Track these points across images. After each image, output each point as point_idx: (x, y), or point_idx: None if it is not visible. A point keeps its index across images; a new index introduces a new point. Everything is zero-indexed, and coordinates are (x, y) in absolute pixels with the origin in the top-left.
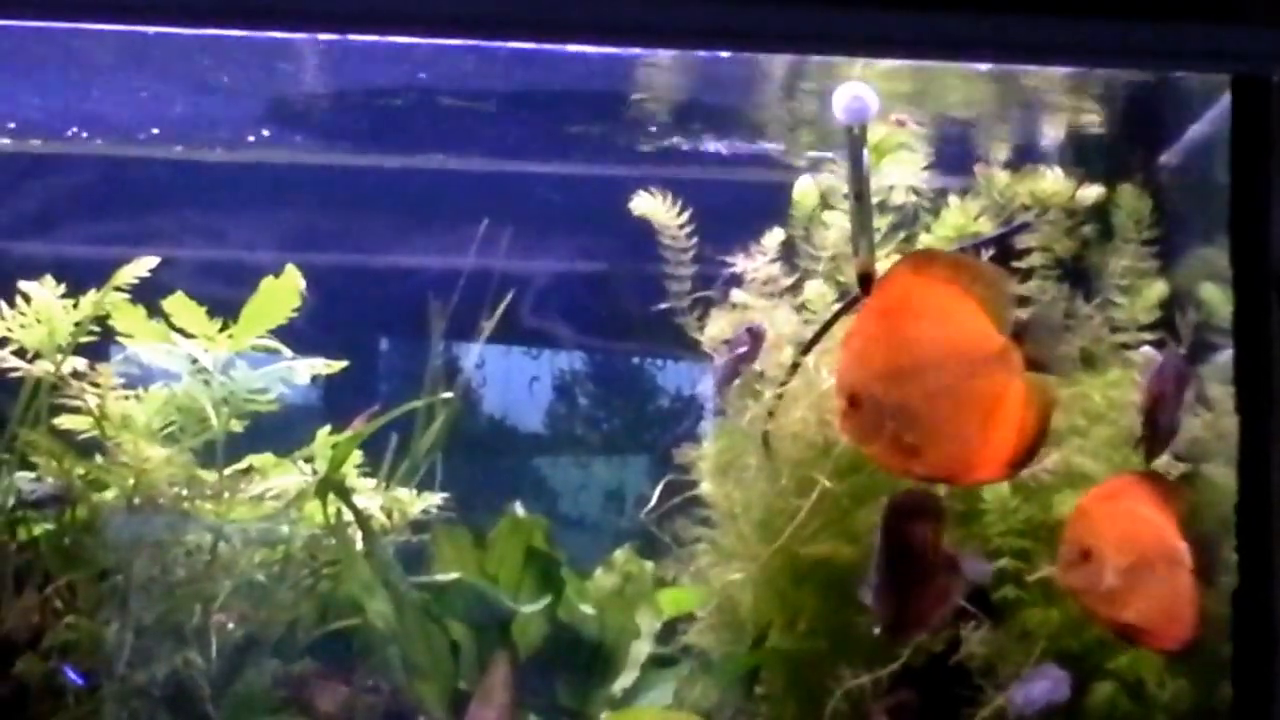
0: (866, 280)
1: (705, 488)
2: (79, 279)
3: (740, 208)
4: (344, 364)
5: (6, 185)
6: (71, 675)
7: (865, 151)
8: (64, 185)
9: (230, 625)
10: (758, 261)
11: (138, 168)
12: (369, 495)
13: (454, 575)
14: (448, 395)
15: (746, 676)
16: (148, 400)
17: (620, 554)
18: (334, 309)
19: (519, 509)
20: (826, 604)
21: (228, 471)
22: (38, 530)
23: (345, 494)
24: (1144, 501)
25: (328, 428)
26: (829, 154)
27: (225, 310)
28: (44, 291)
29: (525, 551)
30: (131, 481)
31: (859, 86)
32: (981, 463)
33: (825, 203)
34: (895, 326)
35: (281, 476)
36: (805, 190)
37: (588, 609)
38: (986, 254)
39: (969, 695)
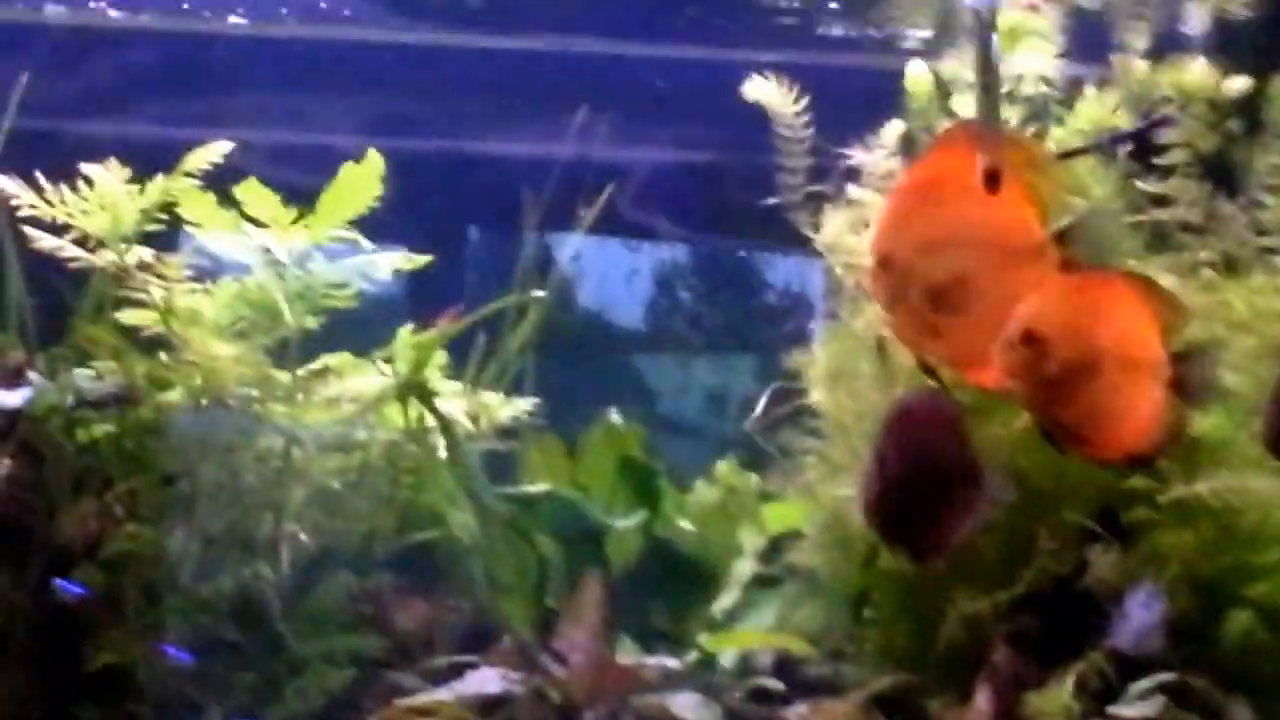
0: (993, 176)
1: (815, 396)
2: (147, 162)
3: (860, 95)
4: (429, 258)
5: (71, 61)
6: (174, 653)
7: (994, 38)
8: (133, 62)
9: (302, 536)
10: (875, 155)
11: (212, 44)
12: (453, 399)
13: (543, 486)
14: (539, 293)
15: (855, 599)
16: (217, 294)
17: (723, 465)
18: (419, 198)
19: (614, 416)
20: None
21: (302, 372)
22: (98, 432)
23: (427, 397)
24: (1125, 302)
25: (410, 326)
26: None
27: (302, 199)
28: (108, 176)
29: (620, 462)
30: (198, 381)
31: None
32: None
33: (946, 91)
34: (936, 196)
35: (359, 378)
36: (919, 76)
37: (686, 525)
38: (1123, 148)
39: (1095, 622)
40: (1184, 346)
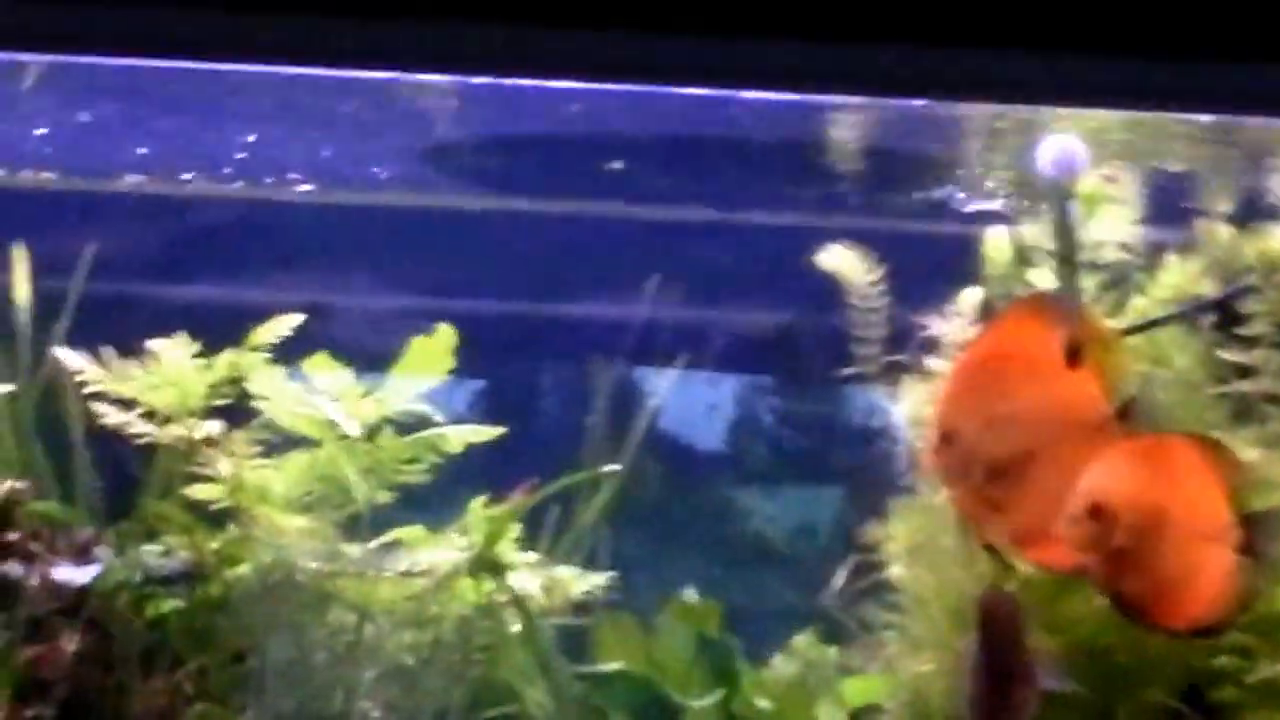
0: (1075, 351)
1: (894, 571)
2: (214, 330)
3: (934, 263)
4: (500, 431)
5: (143, 228)
6: None
7: (1073, 209)
8: (202, 230)
9: (375, 713)
10: (952, 324)
11: (276, 212)
12: (527, 572)
13: (618, 665)
14: (615, 467)
15: None
16: (286, 467)
17: (802, 639)
18: (491, 367)
19: (690, 594)
20: None
21: (373, 545)
22: (166, 608)
23: (501, 573)
24: (1188, 465)
25: (482, 497)
26: (1028, 205)
27: (370, 367)
28: (175, 350)
29: (696, 640)
30: (268, 557)
31: (1068, 139)
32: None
33: (1024, 258)
34: (1003, 370)
35: (431, 550)
36: (998, 243)
37: (764, 703)
38: (1206, 318)
39: None
40: (1253, 510)
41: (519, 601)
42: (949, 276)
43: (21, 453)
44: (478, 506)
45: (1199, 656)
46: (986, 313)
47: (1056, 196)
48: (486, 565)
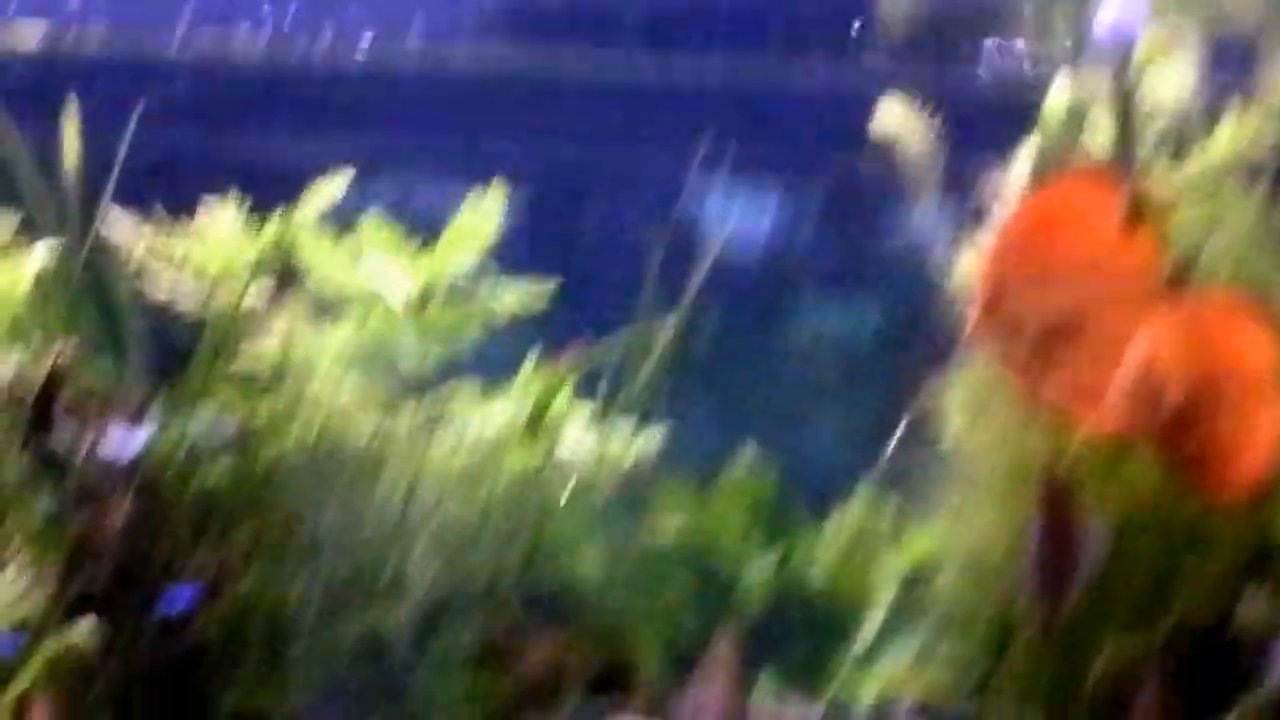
0: (1134, 214)
1: (953, 428)
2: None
3: (991, 112)
4: (553, 286)
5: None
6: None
7: (1132, 70)
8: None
9: (427, 576)
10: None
11: (336, 74)
12: (582, 430)
13: (674, 531)
14: (666, 327)
15: (998, 636)
16: (337, 333)
17: (860, 493)
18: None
19: (746, 459)
20: None
21: (425, 404)
22: (217, 476)
23: (554, 439)
24: (1238, 323)
25: (535, 355)
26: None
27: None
28: (225, 215)
29: (753, 505)
30: (319, 422)
31: (1128, 2)
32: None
33: (1083, 110)
34: (1047, 234)
35: (483, 411)
36: (1058, 95)
37: (821, 570)
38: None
39: (1247, 668)
40: None
41: (573, 468)
42: (1008, 129)
43: (70, 316)
44: (530, 365)
45: (1263, 525)
46: (1043, 167)
47: (1116, 59)
48: (539, 430)
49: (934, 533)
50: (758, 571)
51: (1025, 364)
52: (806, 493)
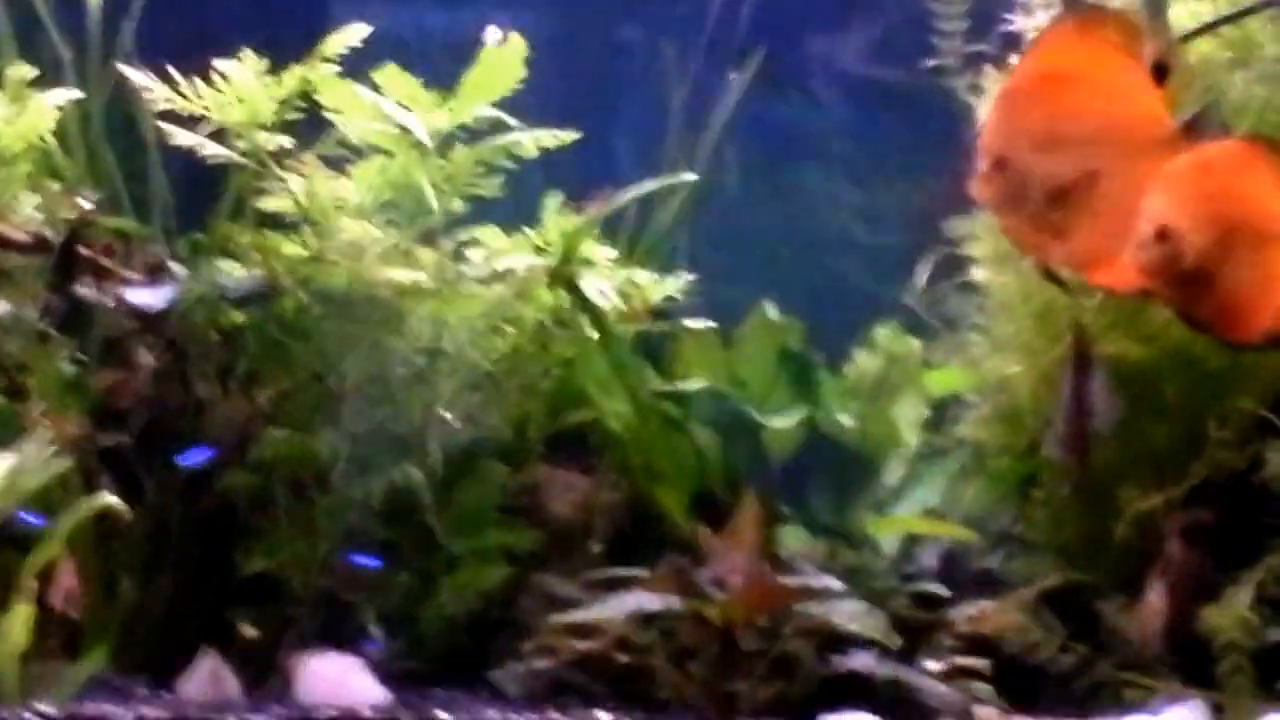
0: (1162, 71)
1: (980, 272)
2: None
3: None
4: (576, 135)
5: None
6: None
7: None
8: None
9: (454, 422)
10: (1035, 18)
11: None
12: (606, 276)
13: (700, 382)
14: (690, 176)
15: (1022, 481)
16: (359, 175)
17: (884, 331)
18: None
19: (770, 310)
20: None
21: (449, 245)
22: (242, 326)
23: (578, 290)
24: (1249, 172)
25: (557, 196)
26: None
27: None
28: (242, 68)
29: (778, 354)
30: (344, 270)
31: None
32: (1123, 262)
33: None
34: (1055, 90)
35: (508, 256)
36: None
37: (846, 419)
38: None
39: (1271, 518)
40: None
41: (598, 318)
42: None
43: (93, 163)
44: (553, 206)
45: None
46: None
47: None
48: (563, 278)
49: (960, 372)
50: (783, 419)
51: (1033, 226)
52: (834, 329)
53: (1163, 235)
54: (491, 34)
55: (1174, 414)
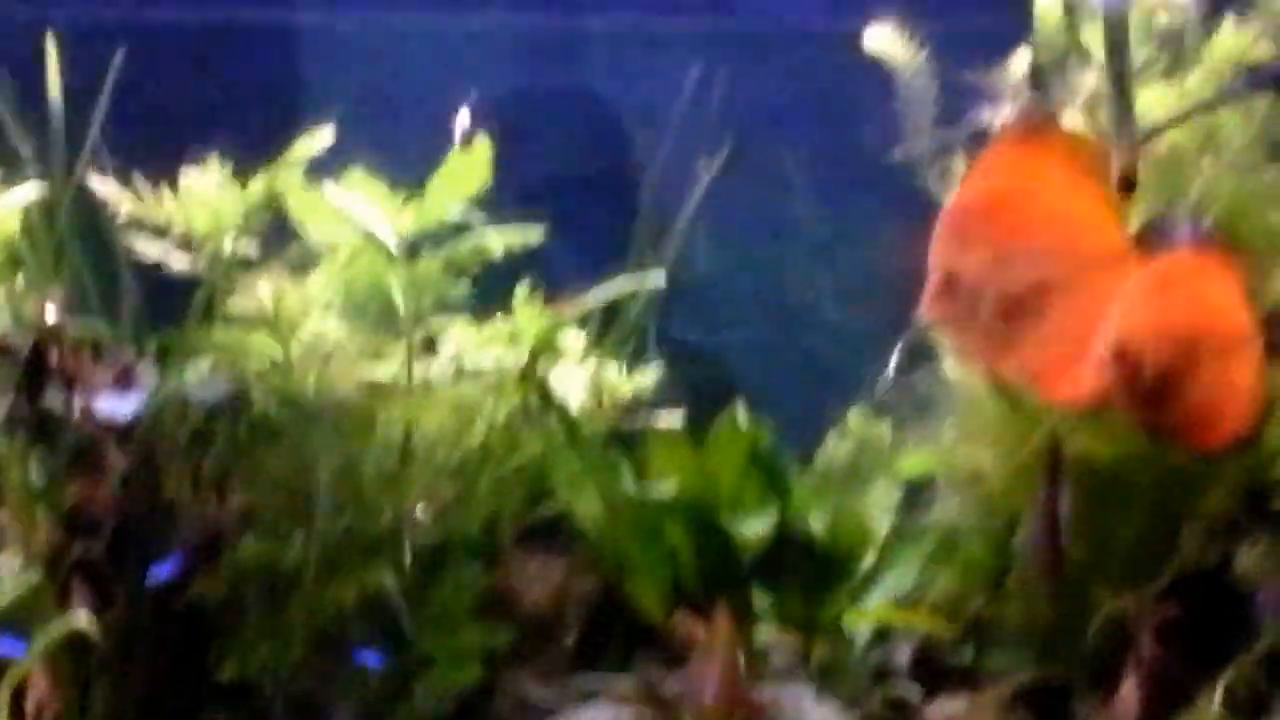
0: (1128, 184)
1: (948, 363)
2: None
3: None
4: (542, 230)
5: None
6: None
7: (1126, 37)
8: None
9: (425, 517)
10: (1003, 107)
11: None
12: (576, 368)
13: (670, 489)
14: (658, 275)
15: (995, 573)
16: (325, 275)
17: (855, 415)
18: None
19: (740, 413)
20: (1085, 504)
21: (418, 339)
22: (211, 435)
23: (547, 395)
24: (1206, 279)
25: (526, 287)
26: None
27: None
28: (206, 179)
29: (748, 455)
30: (313, 374)
31: None
32: (1079, 376)
33: (1075, 20)
34: (1002, 205)
35: (476, 350)
36: (1047, 5)
37: (817, 523)
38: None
39: (1243, 617)
40: (1271, 311)
41: (568, 421)
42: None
43: (59, 263)
44: (523, 300)
45: (1254, 468)
46: (1035, 78)
47: (1110, 22)
48: (536, 387)
49: (932, 456)
50: (755, 525)
51: (985, 342)
52: (805, 411)
53: (1123, 353)
54: (462, 117)
55: (1144, 511)
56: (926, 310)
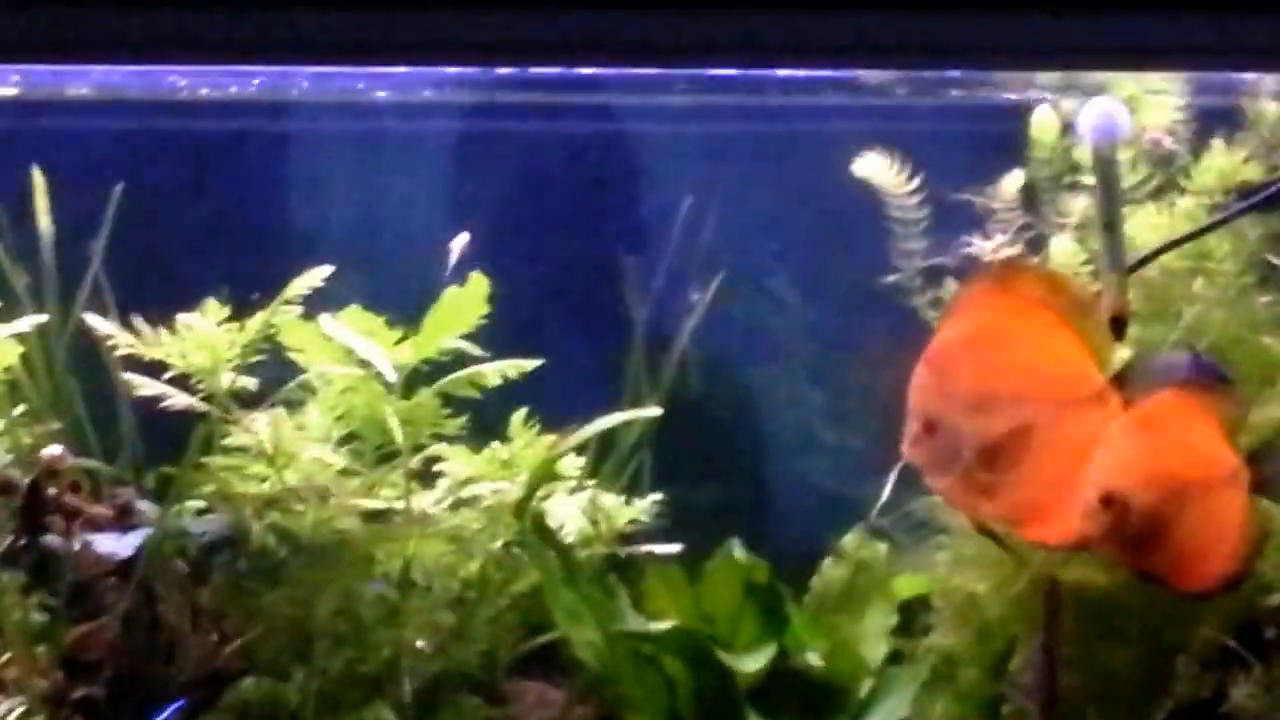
0: (1119, 324)
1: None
2: None
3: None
4: (539, 363)
5: None
6: None
7: (1116, 175)
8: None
9: (423, 648)
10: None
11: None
12: (572, 497)
13: (667, 624)
14: (654, 410)
15: (991, 701)
16: (322, 407)
17: (851, 539)
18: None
19: (737, 548)
20: (1079, 634)
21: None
22: (211, 573)
23: (545, 529)
24: (1189, 421)
25: (522, 414)
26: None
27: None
28: (201, 320)
29: (745, 588)
30: (311, 510)
31: (1109, 102)
32: (1061, 517)
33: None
34: (979, 349)
35: (475, 485)
36: (1045, 124)
37: (815, 652)
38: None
39: None
40: (1258, 445)
41: (564, 554)
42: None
43: (56, 394)
44: (519, 422)
45: (1253, 594)
46: (1029, 197)
47: (1099, 160)
48: (531, 512)
49: (925, 582)
50: (752, 660)
51: (966, 485)
52: (799, 533)
53: (1108, 501)
54: (459, 242)
55: (1139, 640)
56: (906, 454)
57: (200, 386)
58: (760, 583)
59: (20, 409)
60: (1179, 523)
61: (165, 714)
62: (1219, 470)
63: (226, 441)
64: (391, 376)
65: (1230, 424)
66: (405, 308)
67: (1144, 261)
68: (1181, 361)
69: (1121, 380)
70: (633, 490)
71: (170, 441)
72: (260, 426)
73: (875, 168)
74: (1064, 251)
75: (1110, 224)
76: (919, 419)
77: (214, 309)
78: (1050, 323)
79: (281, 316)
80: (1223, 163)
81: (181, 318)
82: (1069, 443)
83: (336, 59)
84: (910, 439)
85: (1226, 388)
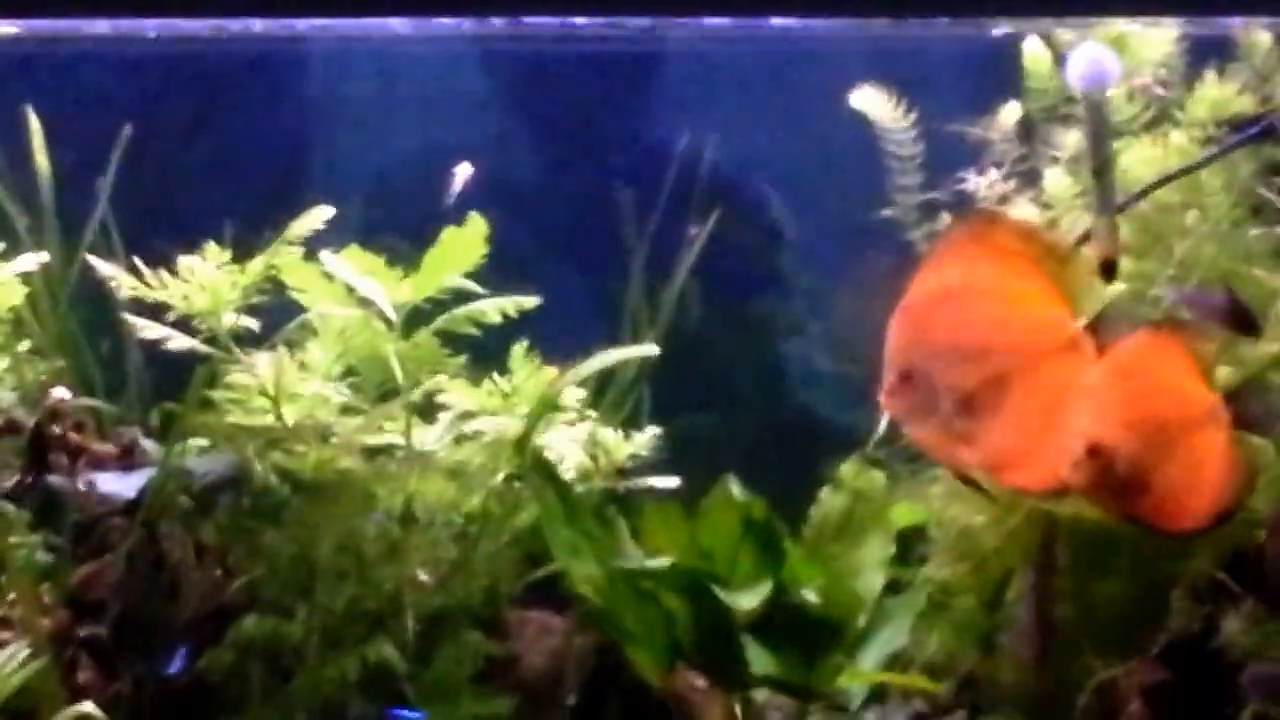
0: (1109, 268)
1: None
2: None
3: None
4: (538, 301)
5: None
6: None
7: (1106, 121)
8: None
9: (425, 582)
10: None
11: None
12: (572, 428)
13: (665, 561)
14: (652, 348)
15: (986, 632)
16: (323, 345)
17: (849, 467)
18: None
19: (734, 486)
20: (1075, 566)
21: (417, 395)
22: (214, 513)
23: (545, 465)
24: (1165, 362)
25: (523, 346)
26: None
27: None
28: (203, 264)
29: (742, 524)
30: (313, 449)
31: (1098, 49)
32: (1040, 463)
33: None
34: (954, 300)
35: (476, 419)
36: (1037, 55)
37: (812, 586)
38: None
39: (1231, 678)
40: (1234, 384)
41: (560, 485)
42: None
43: (61, 335)
44: (520, 354)
45: (1244, 527)
46: (1025, 129)
47: (1089, 107)
48: (531, 448)
49: (922, 511)
50: (749, 598)
51: (944, 435)
52: (798, 462)
53: (1093, 451)
54: (461, 171)
55: (1132, 574)
56: (884, 405)
57: (202, 328)
58: (758, 519)
59: (25, 345)
60: (1163, 466)
61: (173, 661)
62: (1197, 410)
63: (229, 379)
64: (392, 315)
65: (1205, 362)
66: (407, 237)
67: (1137, 198)
68: (1220, 300)
69: (1097, 326)
70: (631, 424)
71: (176, 378)
72: (262, 365)
73: (872, 101)
74: (1058, 185)
75: (1100, 169)
76: (895, 369)
77: (214, 252)
78: (1024, 271)
79: (283, 256)
80: (1215, 94)
81: (183, 260)
82: (1044, 390)
83: (336, 11)
84: (887, 389)
85: (1201, 331)
